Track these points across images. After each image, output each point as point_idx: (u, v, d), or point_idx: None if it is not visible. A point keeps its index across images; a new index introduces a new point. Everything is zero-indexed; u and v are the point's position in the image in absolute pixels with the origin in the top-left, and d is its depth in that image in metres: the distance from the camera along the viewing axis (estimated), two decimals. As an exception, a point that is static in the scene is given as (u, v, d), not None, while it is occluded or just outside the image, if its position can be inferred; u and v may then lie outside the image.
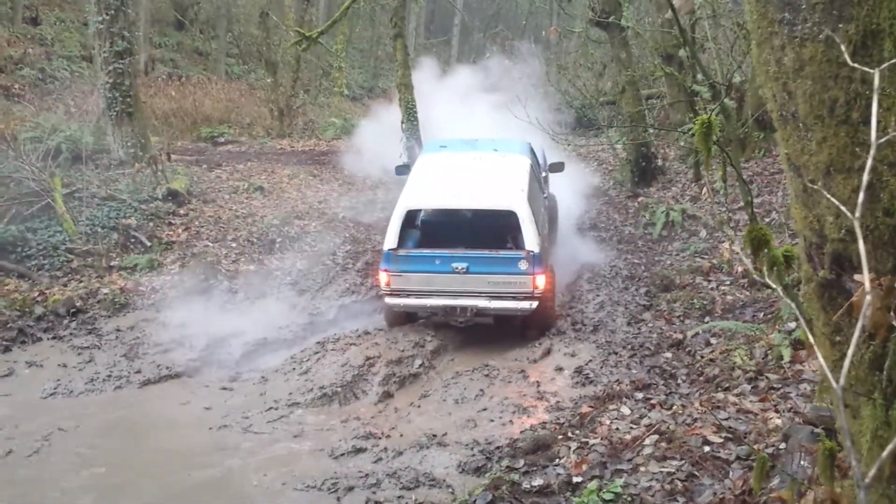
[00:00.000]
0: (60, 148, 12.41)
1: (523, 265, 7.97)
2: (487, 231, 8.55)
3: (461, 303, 8.14)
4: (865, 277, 1.65)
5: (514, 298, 8.09)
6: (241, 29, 27.60)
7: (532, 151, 9.76)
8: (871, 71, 1.69)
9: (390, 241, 8.22)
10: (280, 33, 22.40)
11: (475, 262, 8.08)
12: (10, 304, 8.94)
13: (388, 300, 8.40)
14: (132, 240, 10.88)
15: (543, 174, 10.22)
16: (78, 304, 9.23)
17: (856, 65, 1.73)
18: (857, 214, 1.69)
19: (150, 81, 21.60)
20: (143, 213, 11.47)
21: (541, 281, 7.98)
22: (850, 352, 1.65)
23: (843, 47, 1.74)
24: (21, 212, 10.47)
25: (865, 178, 1.69)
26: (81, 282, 9.72)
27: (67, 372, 7.78)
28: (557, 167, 10.76)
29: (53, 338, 8.61)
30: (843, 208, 1.78)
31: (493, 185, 8.58)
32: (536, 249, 7.96)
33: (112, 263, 10.27)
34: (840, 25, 1.77)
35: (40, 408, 7.03)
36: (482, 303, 8.13)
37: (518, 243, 8.14)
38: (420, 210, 8.94)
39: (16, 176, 10.84)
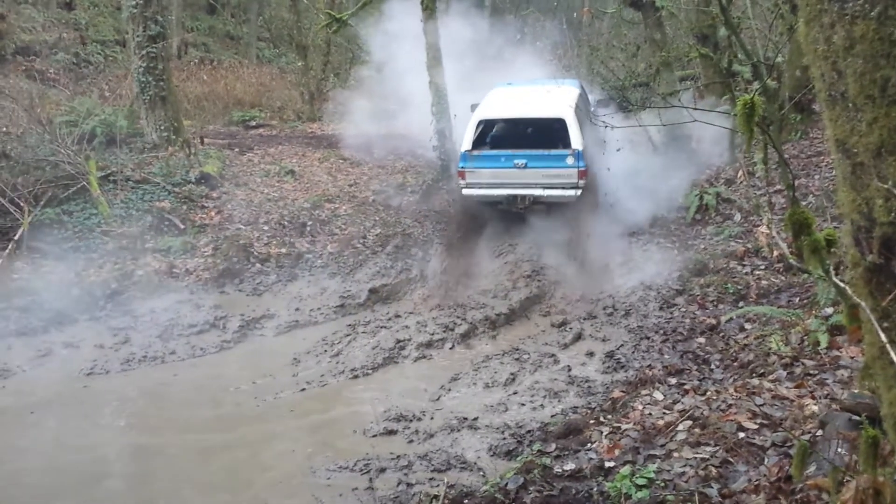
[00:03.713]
0: (95, 132, 12.55)
1: (570, 160, 9.94)
2: (542, 135, 10.62)
3: (521, 192, 10.19)
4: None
5: (563, 188, 10.02)
6: (272, 13, 27.65)
7: (581, 86, 12.27)
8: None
9: (466, 143, 10.40)
10: (311, 17, 22.39)
11: (532, 158, 10.10)
12: (47, 285, 9.09)
13: (465, 191, 10.49)
14: (166, 222, 10.99)
15: (592, 108, 12.08)
16: (113, 286, 9.37)
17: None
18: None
19: (183, 65, 21.74)
20: (176, 196, 11.58)
21: (583, 173, 9.90)
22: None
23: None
24: (57, 195, 10.63)
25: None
26: (117, 264, 9.85)
27: (104, 352, 7.91)
28: (605, 103, 12.52)
29: (90, 319, 8.75)
30: None
31: (547, 101, 10.71)
32: (580, 148, 9.90)
33: (147, 245, 10.39)
34: (893, 2, 1.71)
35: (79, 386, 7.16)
36: (537, 192, 10.14)
37: (566, 143, 9.99)
38: (491, 119, 10.89)
39: (52, 159, 10.99)
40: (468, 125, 10.57)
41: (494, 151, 10.49)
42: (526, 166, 10.02)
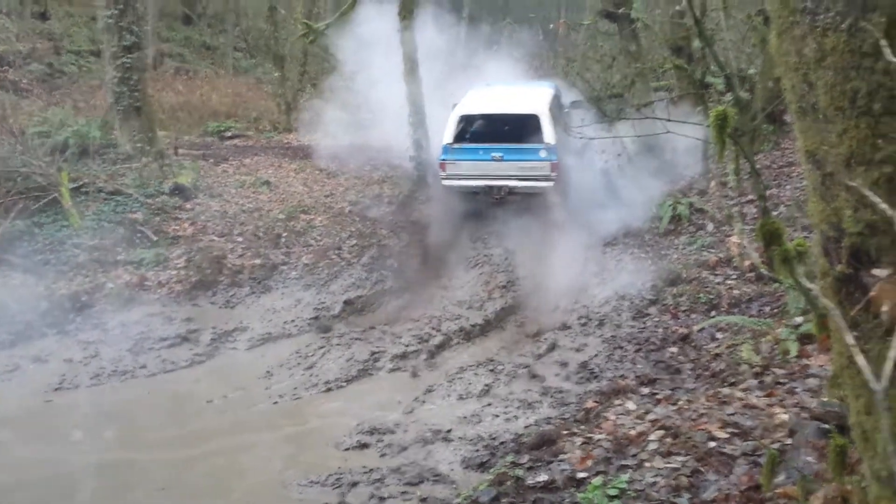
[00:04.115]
0: (68, 142, 12.37)
1: (543, 154, 10.62)
2: (518, 130, 11.06)
3: (497, 183, 10.82)
4: None
5: (536, 179, 10.67)
6: (248, 23, 27.58)
7: (556, 87, 12.89)
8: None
9: (448, 137, 11.03)
10: (288, 27, 22.34)
11: (508, 152, 10.77)
12: (15, 298, 8.93)
13: (445, 182, 11.12)
14: (138, 234, 10.85)
15: (566, 110, 12.76)
16: (84, 299, 9.22)
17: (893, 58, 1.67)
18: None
19: (158, 76, 21.58)
20: (149, 208, 11.44)
21: (555, 166, 10.53)
22: (891, 352, 1.60)
23: (879, 39, 1.68)
24: (28, 206, 10.46)
25: None
26: (87, 276, 9.70)
27: (73, 367, 7.77)
28: (578, 104, 12.80)
29: (59, 333, 8.60)
30: (881, 203, 1.72)
31: (523, 99, 11.65)
32: (553, 142, 10.53)
33: (118, 258, 10.24)
34: (864, 14, 1.72)
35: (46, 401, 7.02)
36: (512, 183, 10.76)
37: (540, 138, 10.63)
38: (471, 115, 11.49)
39: (23, 171, 10.81)
40: (449, 120, 11.20)
41: (473, 145, 11.11)
42: (503, 159, 10.69)
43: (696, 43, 11.61)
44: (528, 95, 11.75)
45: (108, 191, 11.58)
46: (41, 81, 19.17)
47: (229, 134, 18.42)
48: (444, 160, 11.01)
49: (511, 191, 10.82)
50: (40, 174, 10.77)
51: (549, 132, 10.62)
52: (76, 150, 12.52)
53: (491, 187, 10.86)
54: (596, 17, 15.35)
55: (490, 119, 11.69)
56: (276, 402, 6.98)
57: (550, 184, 10.59)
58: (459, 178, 11.00)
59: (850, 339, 1.93)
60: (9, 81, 17.98)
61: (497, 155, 10.73)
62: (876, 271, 1.86)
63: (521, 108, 11.20)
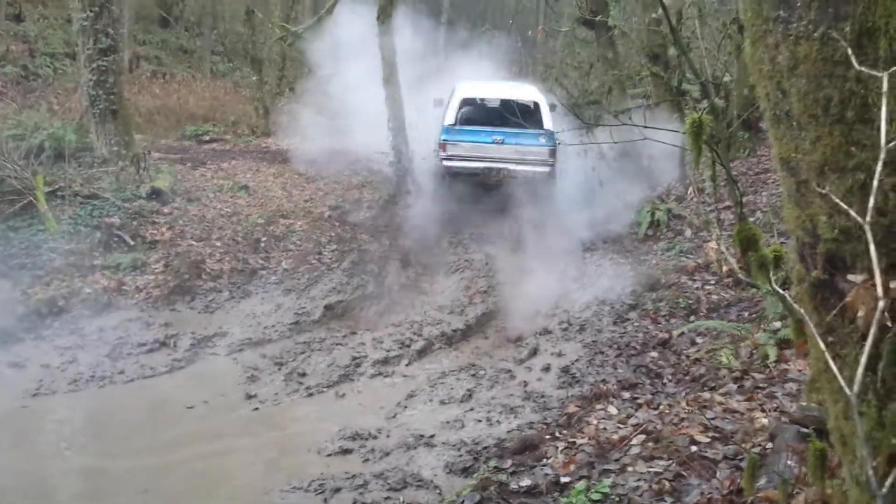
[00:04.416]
0: (43, 146, 12.23)
1: (542, 139, 11.21)
2: (518, 116, 10.87)
3: (497, 165, 11.21)
4: (878, 279, 1.63)
5: (534, 164, 11.15)
6: (226, 26, 27.43)
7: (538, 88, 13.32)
8: (879, 74, 1.68)
9: (450, 118, 11.48)
10: (266, 31, 22.26)
11: (508, 136, 11.19)
12: (-9, 303, 8.83)
13: (445, 163, 11.43)
14: (115, 238, 10.75)
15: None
16: (61, 304, 9.12)
17: (863, 68, 1.71)
18: (868, 218, 1.68)
19: (135, 79, 21.40)
20: (126, 212, 11.34)
21: (553, 152, 11.09)
22: (863, 359, 1.63)
23: (847, 48, 1.73)
24: (3, 210, 10.33)
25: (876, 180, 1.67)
26: (64, 281, 9.59)
27: (50, 372, 7.69)
28: (552, 107, 12.98)
29: (35, 338, 8.49)
30: (852, 212, 1.76)
31: (520, 88, 12.46)
32: (551, 129, 10.99)
33: (95, 262, 10.14)
34: (836, 23, 1.76)
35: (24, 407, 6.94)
36: (511, 166, 11.20)
37: (539, 124, 11.25)
38: (472, 98, 12.06)
39: (-3, 174, 10.70)
40: (450, 103, 11.66)
41: (475, 127, 11.55)
42: (503, 142, 11.14)
43: (673, 51, 11.74)
44: (523, 87, 12.46)
45: (85, 195, 11.46)
46: (15, 84, 18.94)
47: (207, 138, 18.32)
48: (445, 140, 11.39)
49: (509, 174, 11.25)
50: (15, 178, 10.63)
51: (547, 119, 11.31)
52: (51, 154, 12.37)
53: (490, 169, 11.24)
54: (574, 24, 15.49)
55: (491, 104, 12.27)
56: (256, 408, 6.95)
57: (547, 169, 11.17)
58: (460, 160, 11.36)
59: (822, 346, 1.97)
60: (-18, 84, 17.78)
61: (498, 138, 11.16)
62: (851, 277, 1.90)
63: (522, 96, 11.85)
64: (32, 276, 9.58)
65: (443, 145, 11.39)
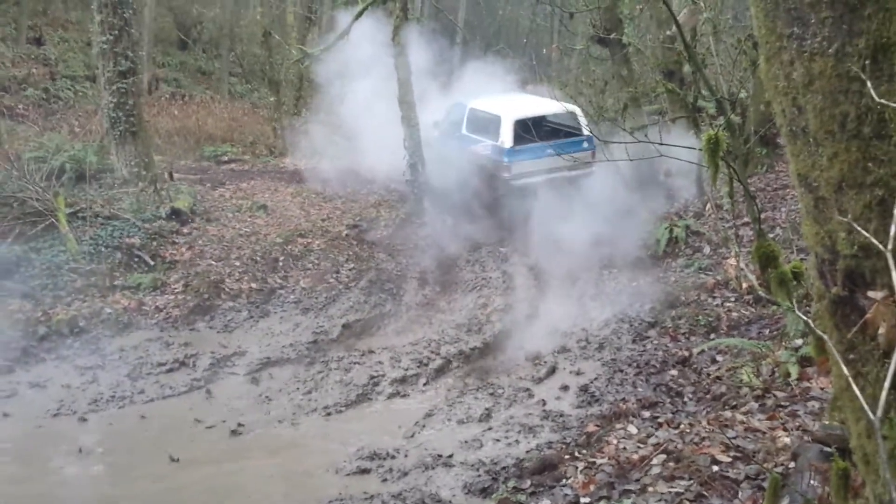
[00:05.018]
0: (64, 167, 12.42)
1: (585, 144, 12.39)
2: (561, 127, 12.84)
3: (555, 175, 12.00)
4: None
5: (582, 167, 12.16)
6: (244, 48, 27.71)
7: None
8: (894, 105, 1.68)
9: (509, 141, 12.22)
10: (283, 52, 22.47)
11: (560, 146, 11.84)
12: (13, 324, 8.92)
13: (513, 182, 12.11)
14: (136, 259, 10.85)
15: None
16: (81, 324, 9.21)
17: (882, 101, 1.71)
18: (891, 246, 1.67)
19: (154, 101, 21.67)
20: (146, 232, 11.45)
21: (594, 153, 12.18)
22: (887, 382, 1.61)
23: (858, 68, 1.72)
24: (25, 231, 10.47)
25: None
26: (85, 301, 9.69)
27: (71, 392, 7.74)
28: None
29: (57, 358, 8.57)
30: (873, 241, 1.75)
31: (550, 101, 12.60)
32: (589, 133, 12.01)
33: (115, 283, 10.23)
34: (850, 39, 1.75)
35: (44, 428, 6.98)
36: (566, 173, 11.99)
37: (580, 131, 12.42)
38: (520, 118, 12.39)
39: (20, 196, 10.83)
40: (503, 127, 12.42)
41: (531, 144, 12.03)
42: (557, 153, 11.53)
43: (688, 67, 11.72)
44: (547, 100, 13.17)
45: (105, 215, 11.58)
46: (37, 107, 19.26)
47: (226, 158, 18.46)
48: (509, 163, 12.19)
49: (566, 179, 12.07)
50: (37, 199, 10.78)
51: (584, 125, 12.34)
52: (73, 175, 12.56)
53: (551, 179, 12.02)
54: (588, 42, 15.50)
55: (537, 119, 12.82)
56: (275, 427, 6.96)
57: (592, 168, 12.19)
58: (524, 177, 12.13)
59: (843, 364, 1.95)
60: (4, 107, 18.07)
61: (551, 151, 11.72)
62: (871, 293, 1.88)
63: (562, 108, 12.37)
64: (54, 296, 9.69)
65: (507, 167, 12.16)
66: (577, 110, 12.40)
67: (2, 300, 9.39)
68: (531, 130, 12.59)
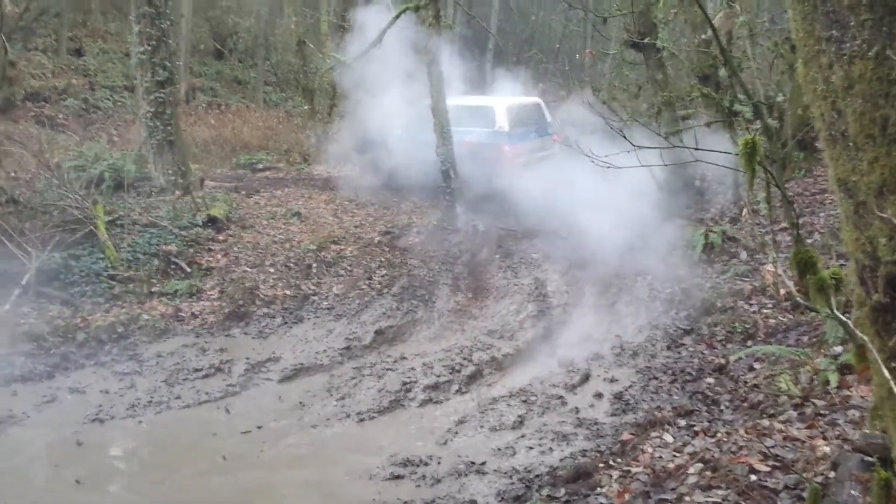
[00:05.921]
0: (103, 176, 12.66)
1: (550, 130, 14.92)
2: (532, 115, 14.73)
3: (541, 154, 14.15)
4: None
5: (549, 149, 14.31)
6: (278, 57, 28.02)
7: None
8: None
9: (506, 125, 13.80)
10: (317, 61, 22.67)
11: (538, 131, 14.32)
12: (53, 330, 9.10)
13: (517, 160, 13.57)
14: (172, 266, 11.02)
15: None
16: (119, 330, 9.36)
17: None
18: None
19: (191, 110, 22.01)
20: (183, 240, 11.62)
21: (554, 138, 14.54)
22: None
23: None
24: (65, 239, 10.67)
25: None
26: (123, 308, 9.85)
27: (109, 398, 7.87)
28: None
29: (95, 364, 8.72)
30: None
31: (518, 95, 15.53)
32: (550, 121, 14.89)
33: (153, 289, 10.40)
34: (890, 42, 1.72)
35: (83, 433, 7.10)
36: (540, 153, 14.05)
37: (545, 119, 14.87)
38: (513, 106, 14.21)
39: (59, 204, 11.06)
40: (497, 113, 13.94)
41: (521, 129, 14.04)
42: (539, 136, 14.24)
43: (723, 71, 11.59)
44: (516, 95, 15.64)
45: (143, 223, 11.78)
46: (77, 116, 19.67)
47: (261, 166, 18.67)
48: (507, 144, 13.80)
49: (542, 158, 13.97)
50: (76, 207, 10.99)
51: (547, 113, 14.91)
52: (111, 184, 12.80)
53: (540, 157, 14.03)
54: (622, 46, 15.41)
55: (521, 108, 14.51)
56: (309, 433, 6.99)
57: (555, 150, 14.12)
58: (522, 156, 13.88)
59: (885, 372, 1.90)
60: (45, 117, 18.48)
61: (535, 134, 14.13)
62: (915, 301, 1.84)
63: (530, 99, 14.77)
64: (93, 302, 9.87)
65: (509, 149, 14.00)
66: (541, 101, 14.77)
67: (42, 306, 9.59)
68: (519, 117, 14.64)
